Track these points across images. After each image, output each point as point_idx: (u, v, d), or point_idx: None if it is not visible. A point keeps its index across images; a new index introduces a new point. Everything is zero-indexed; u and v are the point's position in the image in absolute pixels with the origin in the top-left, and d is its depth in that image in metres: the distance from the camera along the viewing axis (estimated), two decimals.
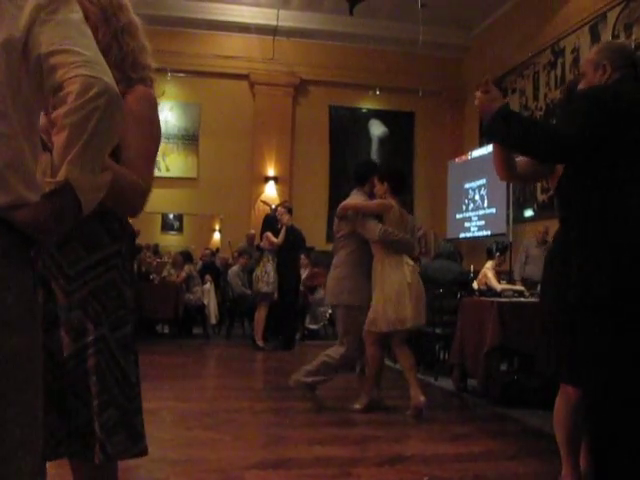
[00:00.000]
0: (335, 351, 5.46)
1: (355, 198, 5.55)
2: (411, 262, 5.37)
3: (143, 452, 1.93)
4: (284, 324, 9.93)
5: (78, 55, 1.33)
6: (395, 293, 5.17)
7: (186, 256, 11.51)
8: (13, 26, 1.34)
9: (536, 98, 11.54)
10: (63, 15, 1.38)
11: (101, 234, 1.83)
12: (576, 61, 10.32)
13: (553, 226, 10.40)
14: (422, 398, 5.19)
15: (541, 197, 11.04)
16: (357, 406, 5.45)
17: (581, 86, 2.84)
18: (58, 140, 1.31)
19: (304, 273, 11.61)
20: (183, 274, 11.05)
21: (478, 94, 2.71)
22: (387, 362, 8.34)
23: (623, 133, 2.51)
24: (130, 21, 1.96)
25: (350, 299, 5.34)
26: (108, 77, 1.35)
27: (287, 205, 10.54)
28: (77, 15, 1.43)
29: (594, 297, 2.45)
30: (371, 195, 5.55)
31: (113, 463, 1.90)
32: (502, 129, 2.66)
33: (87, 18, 1.78)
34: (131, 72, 1.93)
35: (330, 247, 13.29)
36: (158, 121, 1.98)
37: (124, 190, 1.76)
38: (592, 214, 2.54)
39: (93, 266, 1.81)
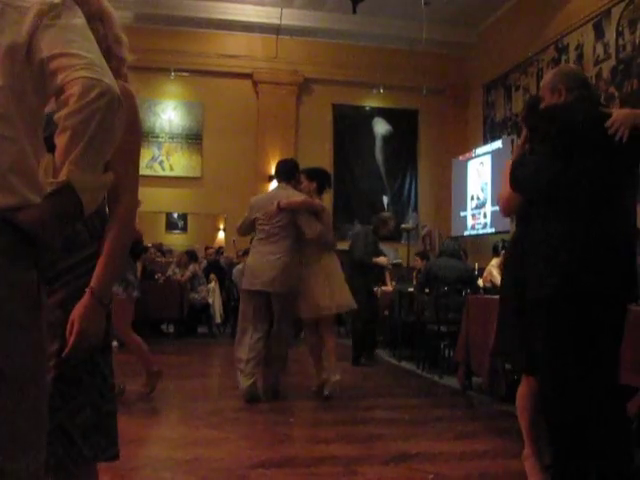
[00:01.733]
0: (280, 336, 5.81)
1: (295, 194, 5.86)
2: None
3: (115, 457, 1.91)
4: None
5: (79, 58, 1.34)
6: (330, 282, 5.79)
7: (191, 255, 11.53)
8: (16, 32, 1.35)
9: None
10: (66, 20, 1.39)
11: (82, 233, 1.83)
12: (580, 58, 10.30)
13: None
14: (338, 377, 5.77)
15: None
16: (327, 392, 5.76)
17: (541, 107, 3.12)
18: (60, 141, 1.32)
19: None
20: (188, 273, 11.07)
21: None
22: (392, 360, 8.35)
23: (572, 148, 2.80)
24: (102, 9, 1.92)
25: (296, 285, 5.74)
26: (109, 79, 1.35)
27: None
28: (80, 20, 1.44)
29: (543, 295, 2.77)
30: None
31: (91, 466, 1.89)
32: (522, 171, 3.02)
33: None
34: None
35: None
36: (139, 118, 1.96)
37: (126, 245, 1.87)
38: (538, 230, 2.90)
39: (74, 266, 1.81)
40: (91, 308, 1.73)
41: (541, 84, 3.20)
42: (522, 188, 3.06)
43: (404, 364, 8.00)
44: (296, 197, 5.80)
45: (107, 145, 1.37)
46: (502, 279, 3.43)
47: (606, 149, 2.82)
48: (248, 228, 6.05)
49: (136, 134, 1.93)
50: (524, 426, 3.38)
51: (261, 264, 5.66)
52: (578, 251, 2.76)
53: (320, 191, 6.07)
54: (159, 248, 12.88)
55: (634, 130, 2.81)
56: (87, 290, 1.74)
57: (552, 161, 2.84)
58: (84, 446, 1.79)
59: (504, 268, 3.34)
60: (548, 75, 3.18)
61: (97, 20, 1.89)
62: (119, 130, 1.40)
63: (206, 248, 12.86)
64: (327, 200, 14.11)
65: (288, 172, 6.00)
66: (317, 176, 6.09)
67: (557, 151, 2.83)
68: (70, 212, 1.35)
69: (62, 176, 1.30)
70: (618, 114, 2.87)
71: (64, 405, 1.78)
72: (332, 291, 5.80)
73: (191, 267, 11.21)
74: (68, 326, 1.72)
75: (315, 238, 5.76)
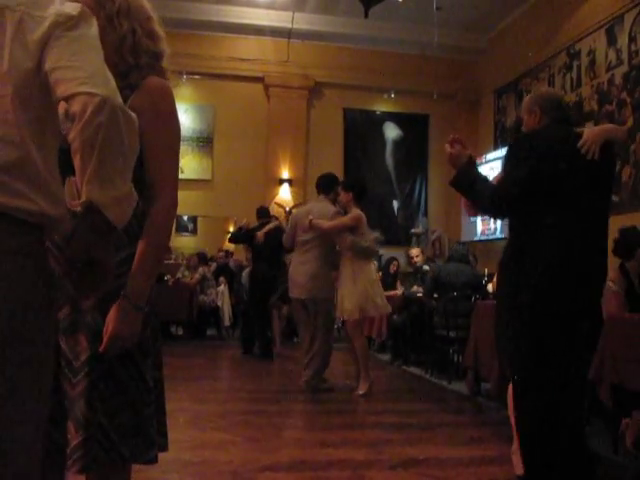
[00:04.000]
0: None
1: (328, 207, 6.39)
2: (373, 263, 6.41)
3: (153, 460, 1.90)
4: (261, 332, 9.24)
5: (80, 71, 1.35)
6: (364, 287, 6.08)
7: (202, 257, 11.56)
8: (30, 41, 1.36)
9: None
10: (78, 32, 1.40)
11: (119, 235, 1.77)
12: (592, 64, 10.26)
13: None
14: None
15: None
16: (361, 392, 6.16)
17: (522, 129, 3.37)
18: (76, 164, 1.34)
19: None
20: (197, 276, 11.09)
21: (447, 148, 3.38)
22: (403, 367, 8.34)
23: (543, 171, 2.98)
24: (129, 3, 1.89)
25: (331, 293, 6.25)
26: (107, 89, 1.35)
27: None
28: (92, 30, 1.45)
29: (520, 301, 2.96)
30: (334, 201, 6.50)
31: (127, 467, 1.88)
32: (464, 185, 3.32)
33: None
34: (131, 57, 1.88)
35: None
36: (177, 114, 1.93)
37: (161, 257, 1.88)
38: (521, 243, 3.08)
39: None
40: (124, 311, 1.73)
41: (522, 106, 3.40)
42: (485, 205, 3.29)
43: (413, 369, 7.98)
44: (323, 220, 6.19)
45: (120, 156, 1.37)
46: (497, 282, 3.54)
47: (578, 168, 3.00)
48: (289, 241, 6.49)
49: (171, 130, 1.90)
50: (514, 423, 3.46)
51: (296, 273, 6.24)
52: (548, 269, 2.93)
53: (357, 201, 6.41)
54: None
55: (607, 144, 3.03)
56: (122, 294, 1.74)
57: (523, 183, 3.01)
58: (122, 447, 1.78)
59: (498, 272, 3.42)
60: (526, 98, 3.40)
61: (122, 16, 1.87)
62: (132, 136, 1.40)
63: (219, 251, 12.89)
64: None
65: (326, 185, 6.52)
66: (353, 187, 6.46)
67: (529, 174, 3.00)
68: (101, 229, 1.36)
69: (82, 197, 1.33)
70: (589, 133, 3.06)
71: (103, 406, 1.76)
72: (359, 296, 6.07)
73: (200, 269, 11.23)
74: (105, 328, 1.73)
75: (347, 249, 6.16)
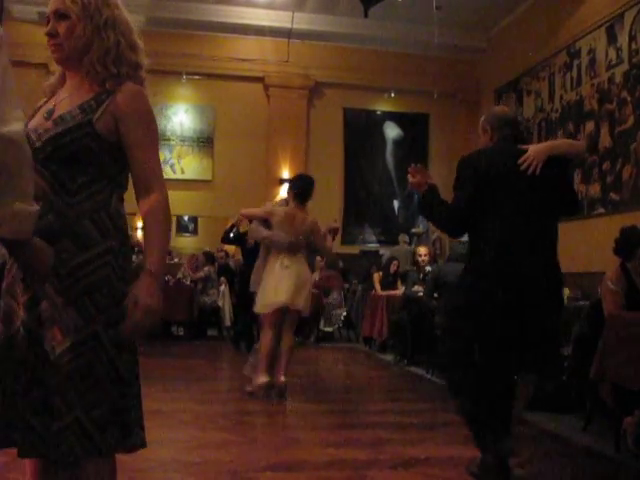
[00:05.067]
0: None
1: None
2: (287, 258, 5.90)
3: (135, 447, 1.92)
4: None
5: None
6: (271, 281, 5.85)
7: (209, 256, 11.57)
8: None
9: (552, 100, 11.47)
10: None
11: (92, 231, 1.85)
12: (592, 62, 10.25)
13: (568, 229, 10.34)
14: (283, 378, 5.77)
15: None
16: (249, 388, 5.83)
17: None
18: None
19: (316, 275, 11.60)
20: (201, 273, 11.09)
21: (409, 177, 3.79)
22: (411, 369, 8.33)
23: (484, 188, 3.36)
24: (114, 16, 1.97)
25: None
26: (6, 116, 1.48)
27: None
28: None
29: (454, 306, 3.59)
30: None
31: (106, 461, 1.89)
32: (425, 210, 3.81)
33: (67, 16, 1.89)
34: (114, 67, 1.94)
35: (345, 249, 13.27)
36: (154, 114, 2.03)
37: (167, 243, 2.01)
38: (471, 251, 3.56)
39: (84, 263, 1.82)
40: (151, 286, 1.84)
41: None
42: (442, 226, 3.79)
43: (413, 369, 7.98)
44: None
45: (11, 175, 1.49)
46: None
47: (519, 183, 3.35)
48: None
49: (154, 129, 2.02)
50: None
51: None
52: (489, 277, 3.34)
53: (299, 199, 6.18)
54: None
55: (562, 160, 3.43)
56: (144, 272, 1.86)
57: (467, 202, 3.40)
58: (99, 439, 1.81)
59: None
60: (482, 118, 3.76)
61: (109, 28, 1.95)
62: (22, 163, 1.52)
63: (220, 251, 12.86)
64: (337, 204, 14.19)
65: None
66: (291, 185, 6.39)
67: (472, 192, 3.39)
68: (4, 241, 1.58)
69: None
70: (532, 150, 3.38)
71: (80, 400, 1.79)
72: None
73: (206, 269, 11.24)
74: (129, 305, 1.81)
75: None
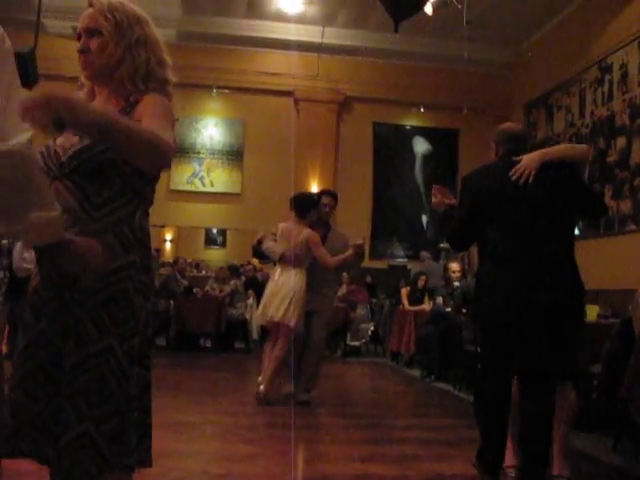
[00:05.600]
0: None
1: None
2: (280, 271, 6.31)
3: (142, 464, 1.92)
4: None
5: None
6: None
7: (233, 270, 11.60)
8: None
9: (582, 115, 11.39)
10: None
11: (114, 245, 1.84)
12: (624, 77, 10.17)
13: (599, 246, 10.19)
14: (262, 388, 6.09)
15: None
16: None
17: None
18: None
19: (342, 290, 11.62)
20: (228, 289, 11.13)
21: (432, 197, 3.95)
22: (437, 385, 8.28)
23: (482, 204, 3.50)
24: (146, 34, 2.00)
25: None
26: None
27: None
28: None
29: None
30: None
31: (121, 477, 1.88)
32: (439, 227, 4.53)
33: (100, 33, 1.91)
34: (142, 84, 1.97)
35: (373, 264, 13.22)
36: (174, 119, 1.98)
37: (141, 144, 1.75)
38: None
39: (105, 276, 1.82)
40: (75, 102, 1.64)
41: None
42: (447, 242, 4.13)
43: (440, 384, 7.93)
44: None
45: (20, 194, 1.54)
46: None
47: (517, 195, 3.39)
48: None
49: (167, 107, 1.97)
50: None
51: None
52: (496, 291, 3.41)
53: (299, 215, 6.52)
54: (195, 265, 12.99)
55: (564, 165, 3.45)
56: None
57: (463, 221, 3.62)
58: (110, 455, 1.79)
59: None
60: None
61: (140, 46, 1.97)
62: (29, 175, 1.55)
63: (248, 264, 12.90)
64: (366, 218, 14.18)
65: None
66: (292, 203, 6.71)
67: (467, 212, 3.59)
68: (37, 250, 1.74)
69: None
70: (524, 160, 3.42)
71: (91, 413, 1.78)
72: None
73: (232, 282, 11.27)
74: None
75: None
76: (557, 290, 3.36)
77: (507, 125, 3.98)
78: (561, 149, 3.83)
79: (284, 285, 6.12)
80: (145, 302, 1.88)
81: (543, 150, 3.58)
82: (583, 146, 4.08)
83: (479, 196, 3.51)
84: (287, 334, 6.07)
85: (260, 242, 9.37)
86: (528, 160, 3.41)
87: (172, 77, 2.07)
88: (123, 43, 1.94)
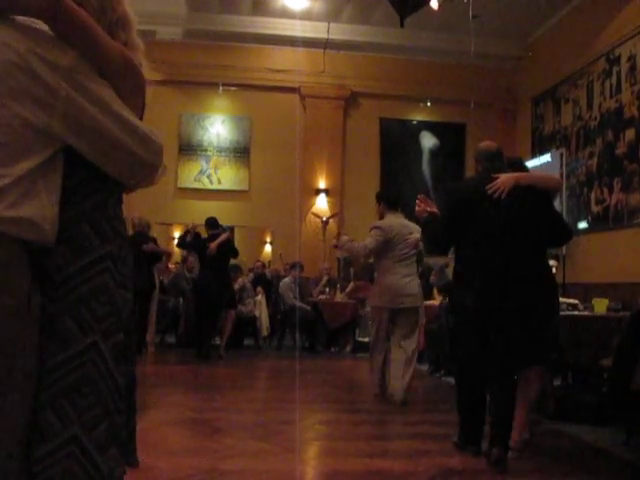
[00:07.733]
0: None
1: (407, 222, 7.20)
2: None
3: (130, 465, 1.83)
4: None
5: None
6: None
7: (236, 269, 11.61)
8: None
9: (590, 108, 11.33)
10: None
11: (89, 236, 1.71)
12: (632, 69, 10.10)
13: (608, 239, 10.14)
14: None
15: (596, 208, 10.80)
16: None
17: None
18: None
19: (350, 286, 11.64)
20: (236, 286, 11.15)
21: (417, 207, 4.71)
22: (446, 379, 8.27)
23: (460, 212, 4.16)
24: (125, 14, 1.89)
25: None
26: None
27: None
28: None
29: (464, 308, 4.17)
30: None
31: None
32: (423, 233, 5.26)
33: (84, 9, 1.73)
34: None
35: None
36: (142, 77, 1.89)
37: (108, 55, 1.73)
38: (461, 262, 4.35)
39: (83, 269, 1.69)
40: None
41: None
42: (430, 244, 5.01)
43: (449, 379, 7.91)
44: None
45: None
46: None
47: (493, 204, 3.99)
48: (381, 248, 6.72)
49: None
50: None
51: (405, 284, 6.46)
52: (475, 287, 4.02)
53: (390, 208, 7.22)
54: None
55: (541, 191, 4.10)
56: None
57: (444, 228, 4.31)
58: (101, 461, 1.66)
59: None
60: None
61: (119, 27, 1.86)
62: None
63: (256, 261, 12.92)
64: (373, 213, 14.13)
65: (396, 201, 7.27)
66: (379, 198, 7.52)
67: (448, 219, 4.28)
68: None
69: None
70: (502, 178, 4.04)
71: (79, 417, 1.64)
72: None
73: (240, 280, 11.29)
74: None
75: None
76: (525, 284, 3.93)
77: (486, 145, 4.64)
78: (534, 177, 4.43)
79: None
80: (126, 294, 1.78)
81: (517, 174, 4.16)
82: (555, 177, 5.10)
83: (461, 203, 4.17)
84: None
85: (189, 233, 9.92)
86: (505, 178, 4.02)
87: (143, 61, 1.94)
88: (105, 22, 1.80)
